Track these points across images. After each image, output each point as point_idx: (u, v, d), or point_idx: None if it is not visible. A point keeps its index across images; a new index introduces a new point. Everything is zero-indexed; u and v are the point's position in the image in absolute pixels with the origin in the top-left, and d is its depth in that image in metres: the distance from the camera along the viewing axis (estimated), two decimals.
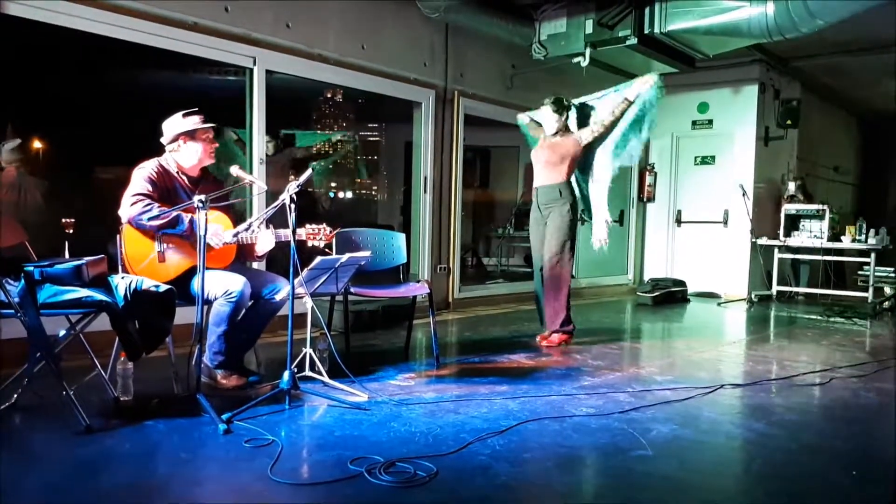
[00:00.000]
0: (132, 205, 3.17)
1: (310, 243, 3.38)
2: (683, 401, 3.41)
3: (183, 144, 3.37)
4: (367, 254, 3.48)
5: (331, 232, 3.40)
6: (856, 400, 3.60)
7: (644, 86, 4.70)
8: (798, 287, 8.35)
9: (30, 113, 5.81)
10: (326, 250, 3.51)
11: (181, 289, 3.15)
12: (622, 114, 4.76)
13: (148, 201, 3.17)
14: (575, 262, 4.87)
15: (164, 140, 3.40)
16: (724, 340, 5.64)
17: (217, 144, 3.47)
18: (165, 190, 3.32)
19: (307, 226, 3.36)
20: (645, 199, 9.01)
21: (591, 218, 5.05)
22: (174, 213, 3.18)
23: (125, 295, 2.86)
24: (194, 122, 3.37)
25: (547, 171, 4.86)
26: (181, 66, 6.24)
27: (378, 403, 3.22)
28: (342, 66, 5.55)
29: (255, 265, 3.94)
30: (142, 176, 3.27)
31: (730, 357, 4.83)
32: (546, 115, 4.90)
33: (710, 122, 8.63)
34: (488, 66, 6.87)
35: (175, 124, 3.38)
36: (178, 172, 3.41)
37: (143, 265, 3.20)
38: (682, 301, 7.87)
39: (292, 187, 3.11)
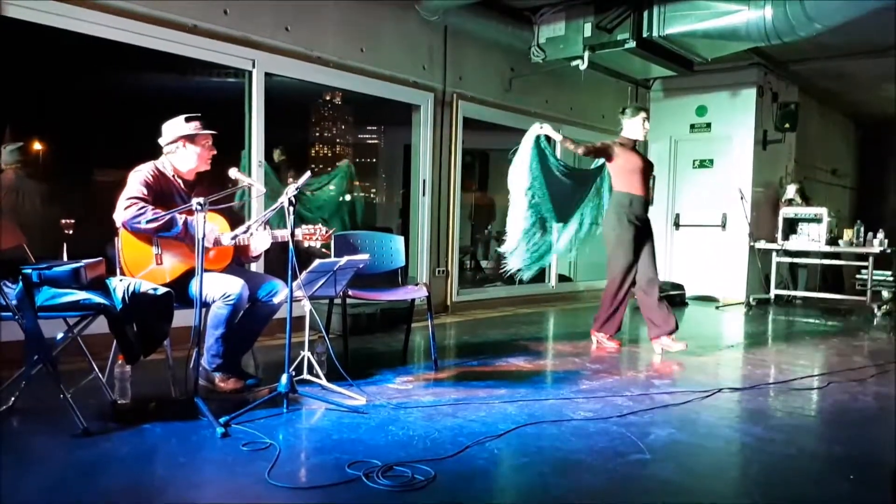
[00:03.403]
0: (126, 208, 3.16)
1: (306, 243, 3.38)
2: (681, 405, 3.41)
3: (181, 148, 3.37)
4: (365, 257, 3.48)
5: (327, 232, 3.41)
6: (854, 404, 3.60)
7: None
8: (796, 291, 8.36)
9: (29, 115, 5.81)
10: (324, 250, 3.50)
11: (179, 291, 3.15)
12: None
13: (142, 204, 3.17)
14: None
15: (162, 141, 3.40)
16: (722, 344, 5.64)
17: (215, 151, 3.48)
18: (161, 193, 3.31)
19: (303, 226, 3.37)
20: None
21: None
22: (168, 216, 3.17)
23: (123, 298, 2.85)
24: (195, 126, 3.38)
25: (642, 182, 4.78)
26: (180, 69, 6.25)
27: (376, 407, 3.22)
28: (341, 69, 5.55)
29: (252, 266, 3.94)
30: (137, 179, 3.26)
31: (728, 361, 4.83)
32: (642, 122, 4.80)
33: (709, 125, 8.64)
34: (487, 69, 6.88)
35: (176, 127, 3.38)
36: (174, 176, 3.41)
37: (143, 273, 3.20)
38: (680, 304, 7.86)
39: (291, 190, 3.12)
